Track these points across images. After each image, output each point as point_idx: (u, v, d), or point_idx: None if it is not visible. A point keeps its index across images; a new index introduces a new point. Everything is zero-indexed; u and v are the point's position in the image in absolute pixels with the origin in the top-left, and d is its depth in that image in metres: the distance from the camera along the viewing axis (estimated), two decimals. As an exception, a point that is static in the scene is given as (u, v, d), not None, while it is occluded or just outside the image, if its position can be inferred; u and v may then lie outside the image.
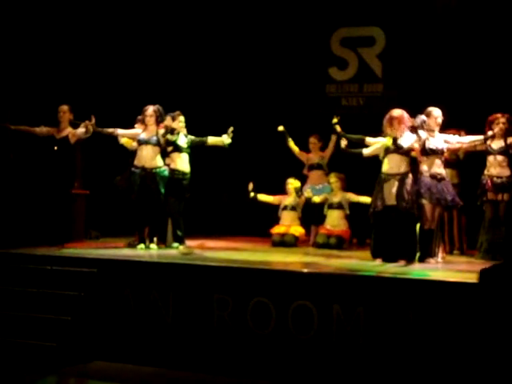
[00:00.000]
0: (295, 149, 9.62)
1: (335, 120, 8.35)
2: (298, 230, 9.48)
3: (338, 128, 8.15)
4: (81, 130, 8.37)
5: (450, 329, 5.77)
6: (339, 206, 9.21)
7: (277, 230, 9.47)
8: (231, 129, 8.56)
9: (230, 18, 11.08)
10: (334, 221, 9.20)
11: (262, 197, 9.62)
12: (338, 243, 9.00)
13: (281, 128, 9.49)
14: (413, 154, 7.60)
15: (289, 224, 9.48)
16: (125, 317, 6.84)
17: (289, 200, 9.59)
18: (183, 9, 11.01)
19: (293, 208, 9.54)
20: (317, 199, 9.31)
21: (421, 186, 7.39)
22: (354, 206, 9.20)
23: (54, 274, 7.08)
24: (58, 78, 9.72)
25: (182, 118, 8.67)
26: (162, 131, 8.31)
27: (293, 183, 9.55)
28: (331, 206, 9.24)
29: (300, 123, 10.64)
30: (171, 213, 8.63)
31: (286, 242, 9.23)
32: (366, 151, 7.70)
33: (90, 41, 10.28)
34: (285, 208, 9.58)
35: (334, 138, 9.02)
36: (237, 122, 10.10)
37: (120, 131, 8.40)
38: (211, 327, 6.52)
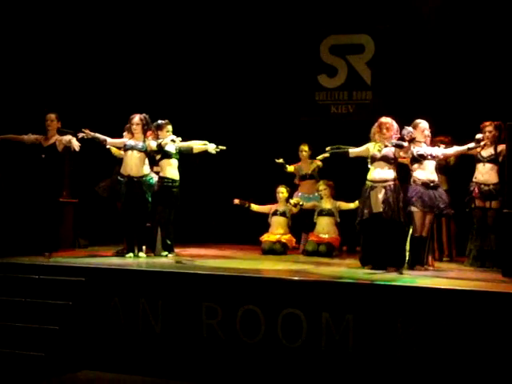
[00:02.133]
0: (291, 169, 9.62)
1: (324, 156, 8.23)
2: (287, 238, 9.47)
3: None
4: (67, 137, 8.32)
5: (439, 336, 5.76)
6: (329, 213, 9.22)
7: (266, 237, 9.46)
8: (223, 147, 8.53)
9: (220, 26, 11.08)
10: (324, 228, 9.20)
11: (255, 207, 9.62)
12: (328, 251, 9.00)
13: (280, 161, 9.48)
14: (403, 161, 7.62)
15: (279, 231, 9.46)
16: (113, 326, 6.79)
17: (279, 207, 9.58)
18: (171, 18, 10.99)
19: (283, 214, 9.52)
20: (306, 205, 9.31)
21: (412, 193, 7.39)
22: (344, 213, 9.21)
23: (41, 283, 7.02)
24: (46, 87, 9.67)
25: (169, 127, 8.65)
26: (152, 142, 8.31)
27: (283, 192, 9.54)
28: (321, 213, 9.25)
29: (290, 131, 10.68)
30: (161, 221, 8.60)
31: (276, 250, 9.21)
32: (352, 151, 7.70)
33: (78, 49, 10.25)
34: (275, 213, 9.55)
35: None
36: (227, 130, 10.17)
37: (109, 140, 8.38)
38: (200, 336, 6.49)
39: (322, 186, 9.28)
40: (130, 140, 8.32)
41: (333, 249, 9.10)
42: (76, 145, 8.20)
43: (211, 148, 8.56)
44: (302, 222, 9.59)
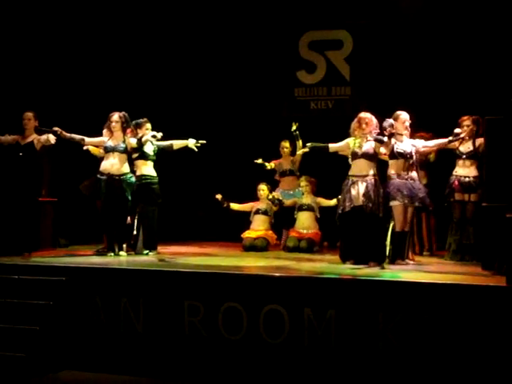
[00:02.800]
0: (272, 166, 9.60)
1: (294, 127, 8.60)
2: (268, 235, 9.47)
3: (300, 141, 8.21)
4: (45, 136, 8.26)
5: (421, 330, 5.79)
6: (309, 208, 9.23)
7: (248, 234, 9.46)
8: (203, 142, 8.52)
9: (199, 23, 11.03)
10: (304, 223, 9.22)
11: (235, 206, 9.62)
12: (309, 246, 9.01)
13: (259, 161, 9.48)
14: (383, 157, 7.65)
15: (260, 228, 9.47)
16: (95, 325, 6.76)
17: (261, 205, 9.59)
18: (148, 15, 10.92)
19: (265, 212, 9.54)
20: (287, 202, 9.33)
21: (390, 187, 7.42)
22: (324, 208, 9.24)
23: (21, 283, 6.96)
24: (23, 85, 9.58)
25: (148, 126, 8.61)
26: (132, 139, 8.27)
27: (264, 189, 9.54)
28: (301, 208, 9.26)
29: (269, 127, 10.66)
30: (142, 219, 8.56)
31: (257, 246, 9.21)
32: (332, 146, 7.74)
33: (56, 47, 10.15)
34: (257, 212, 9.57)
35: (299, 143, 9.06)
36: (206, 128, 10.12)
37: (87, 139, 8.32)
38: (182, 334, 6.47)
39: (303, 181, 9.30)
40: (110, 140, 8.26)
41: (313, 244, 9.12)
42: (52, 138, 8.18)
43: (191, 143, 8.55)
44: (282, 218, 9.60)
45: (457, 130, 7.87)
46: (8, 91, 9.44)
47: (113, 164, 8.19)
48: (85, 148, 8.58)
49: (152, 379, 6.49)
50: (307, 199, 9.28)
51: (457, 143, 8.15)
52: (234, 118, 11.02)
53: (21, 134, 8.49)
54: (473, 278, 6.53)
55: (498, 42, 9.48)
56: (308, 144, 8.03)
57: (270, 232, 9.53)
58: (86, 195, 8.67)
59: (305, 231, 9.20)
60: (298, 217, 9.29)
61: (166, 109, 10.75)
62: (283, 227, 9.63)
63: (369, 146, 7.49)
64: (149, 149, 8.56)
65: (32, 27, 9.85)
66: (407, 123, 7.59)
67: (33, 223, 8.32)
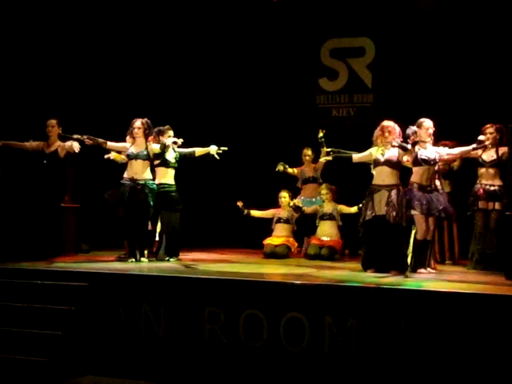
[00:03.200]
0: (294, 171, 9.61)
1: (321, 134, 8.56)
2: (290, 242, 9.46)
3: (325, 148, 8.17)
4: (69, 143, 8.34)
5: (443, 339, 5.74)
6: (331, 217, 9.22)
7: (269, 241, 9.45)
8: (224, 148, 8.52)
9: (221, 31, 11.07)
10: (326, 231, 9.20)
11: (256, 213, 9.62)
12: (330, 254, 8.98)
13: (280, 168, 9.48)
14: (406, 164, 7.61)
15: (282, 235, 9.46)
16: (116, 330, 6.78)
17: (282, 213, 9.58)
18: (172, 22, 10.98)
19: (286, 221, 9.54)
20: (307, 209, 9.32)
21: (411, 197, 7.38)
22: (346, 216, 9.21)
23: (44, 289, 7.01)
24: (47, 92, 9.67)
25: (171, 133, 8.64)
26: (154, 145, 8.31)
27: (286, 196, 9.54)
28: (323, 217, 9.25)
29: (290, 134, 10.67)
30: (165, 226, 8.59)
31: (278, 254, 9.20)
32: (355, 156, 7.71)
33: (79, 55, 10.24)
34: (278, 221, 9.57)
35: (323, 150, 9.04)
36: (228, 135, 10.13)
37: (109, 143, 8.38)
38: (203, 340, 6.47)
39: (324, 189, 9.28)
40: (132, 147, 8.31)
41: (335, 252, 9.09)
42: (76, 147, 8.24)
43: (213, 150, 8.54)
44: (303, 225, 9.59)
45: (481, 137, 7.82)
46: (31, 98, 9.53)
47: (136, 171, 8.24)
48: (106, 156, 8.64)
49: (172, 385, 6.50)
50: (328, 207, 9.26)
51: (480, 151, 8.09)
52: (256, 124, 11.03)
53: (45, 140, 8.58)
54: (496, 287, 6.47)
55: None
56: (331, 153, 7.98)
57: (292, 239, 9.52)
58: (110, 203, 8.68)
59: (326, 239, 9.17)
60: (320, 225, 9.27)
61: (188, 116, 10.78)
62: (304, 235, 9.62)
63: (391, 153, 7.45)
64: (170, 156, 8.60)
65: (56, 36, 9.95)
66: (431, 130, 7.54)
67: (55, 229, 8.39)
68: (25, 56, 9.65)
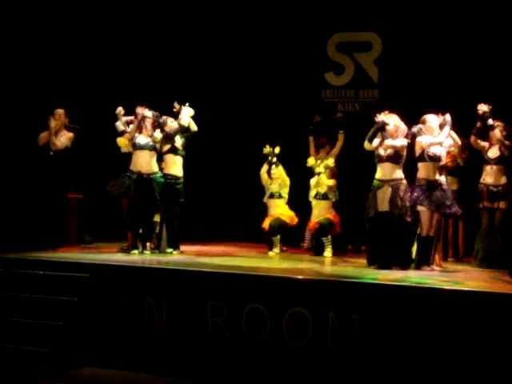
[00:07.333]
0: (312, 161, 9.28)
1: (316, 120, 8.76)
2: (290, 216, 9.23)
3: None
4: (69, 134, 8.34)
5: (446, 336, 5.72)
6: (324, 197, 9.04)
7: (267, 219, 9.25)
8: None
9: (227, 25, 11.03)
10: (321, 212, 9.00)
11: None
12: (329, 224, 8.83)
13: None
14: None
15: (276, 212, 9.23)
16: (118, 322, 6.77)
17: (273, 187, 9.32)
18: (177, 17, 10.95)
19: (279, 196, 9.30)
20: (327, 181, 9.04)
21: (418, 193, 7.35)
22: (348, 211, 9.13)
23: (47, 279, 7.00)
24: (53, 82, 9.65)
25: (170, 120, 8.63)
26: (157, 133, 8.29)
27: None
28: (316, 197, 9.04)
29: (296, 128, 10.63)
30: (165, 218, 8.57)
31: (275, 228, 9.02)
32: (367, 144, 7.60)
33: (83, 47, 10.21)
34: (271, 196, 9.28)
35: (341, 136, 9.03)
36: (232, 128, 10.12)
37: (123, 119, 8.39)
38: (205, 334, 6.46)
39: (331, 162, 9.03)
40: (139, 137, 8.28)
41: (333, 225, 8.94)
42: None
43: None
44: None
45: (490, 121, 7.82)
46: (38, 88, 9.50)
47: (142, 163, 8.21)
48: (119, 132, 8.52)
49: (174, 378, 6.48)
50: (322, 187, 9.03)
51: (486, 146, 8.08)
52: (261, 118, 10.98)
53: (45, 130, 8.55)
54: (500, 285, 6.46)
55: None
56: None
57: (287, 213, 9.27)
58: (113, 195, 8.64)
59: (321, 218, 9.01)
60: (314, 207, 9.06)
61: (195, 107, 10.75)
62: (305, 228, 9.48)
63: (396, 145, 7.41)
64: (178, 143, 8.56)
65: (62, 26, 9.91)
66: (434, 124, 7.51)
67: (59, 220, 8.38)
68: (30, 49, 9.60)
